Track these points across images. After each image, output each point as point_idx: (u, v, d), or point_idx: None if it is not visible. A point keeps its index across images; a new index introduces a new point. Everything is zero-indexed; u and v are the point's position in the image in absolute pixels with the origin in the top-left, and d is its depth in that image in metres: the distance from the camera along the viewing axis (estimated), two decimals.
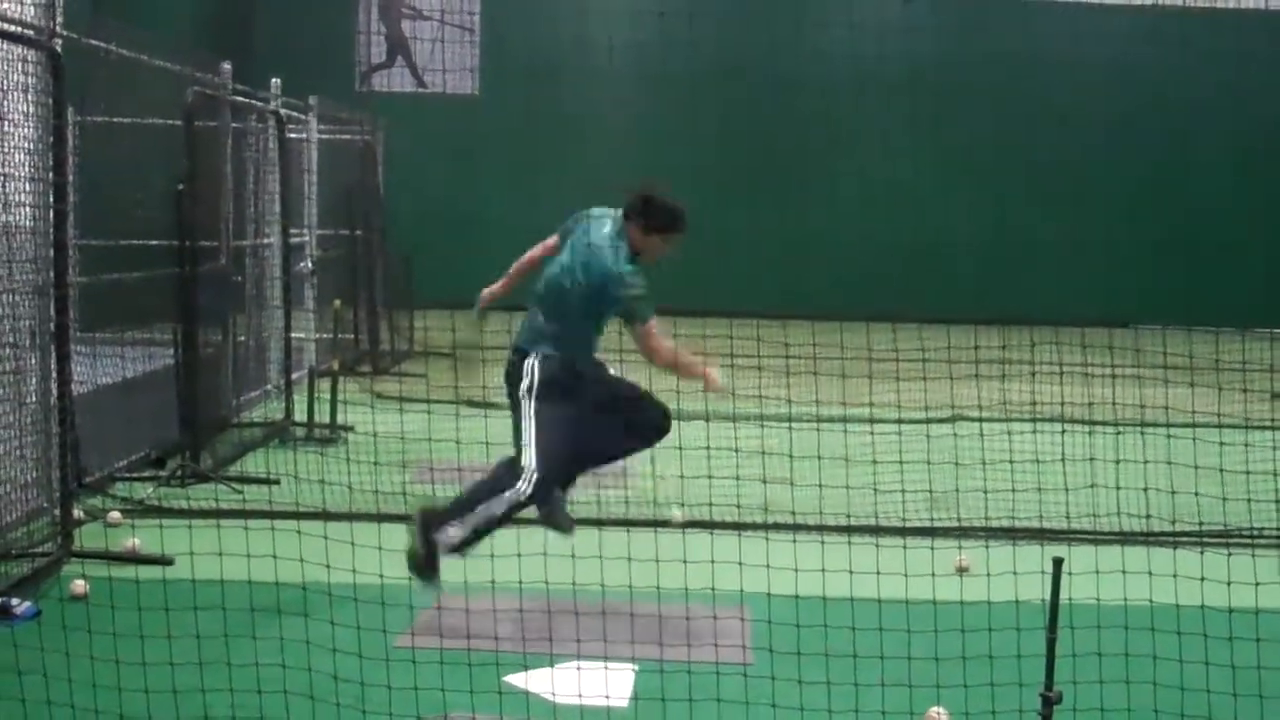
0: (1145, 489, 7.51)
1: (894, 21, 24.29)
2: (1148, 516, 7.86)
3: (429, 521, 6.67)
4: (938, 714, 5.76)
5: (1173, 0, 24.14)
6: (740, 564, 6.23)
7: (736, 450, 7.31)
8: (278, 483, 9.60)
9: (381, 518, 8.28)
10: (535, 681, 6.12)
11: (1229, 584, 6.11)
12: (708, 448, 7.09)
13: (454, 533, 6.69)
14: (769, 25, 24.36)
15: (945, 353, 7.13)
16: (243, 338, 12.62)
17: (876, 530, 8.28)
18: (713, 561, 6.40)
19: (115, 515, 8.78)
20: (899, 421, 8.67)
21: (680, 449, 7.18)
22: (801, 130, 23.93)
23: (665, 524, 8.26)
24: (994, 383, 7.68)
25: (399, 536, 6.62)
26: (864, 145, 23.94)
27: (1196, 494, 7.67)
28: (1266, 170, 23.91)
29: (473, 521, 6.70)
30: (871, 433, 7.89)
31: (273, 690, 5.53)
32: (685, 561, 6.76)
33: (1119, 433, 7.72)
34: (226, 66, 12.07)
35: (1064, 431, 8.00)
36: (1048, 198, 24.15)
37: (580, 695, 5.85)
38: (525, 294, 7.06)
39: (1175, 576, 6.11)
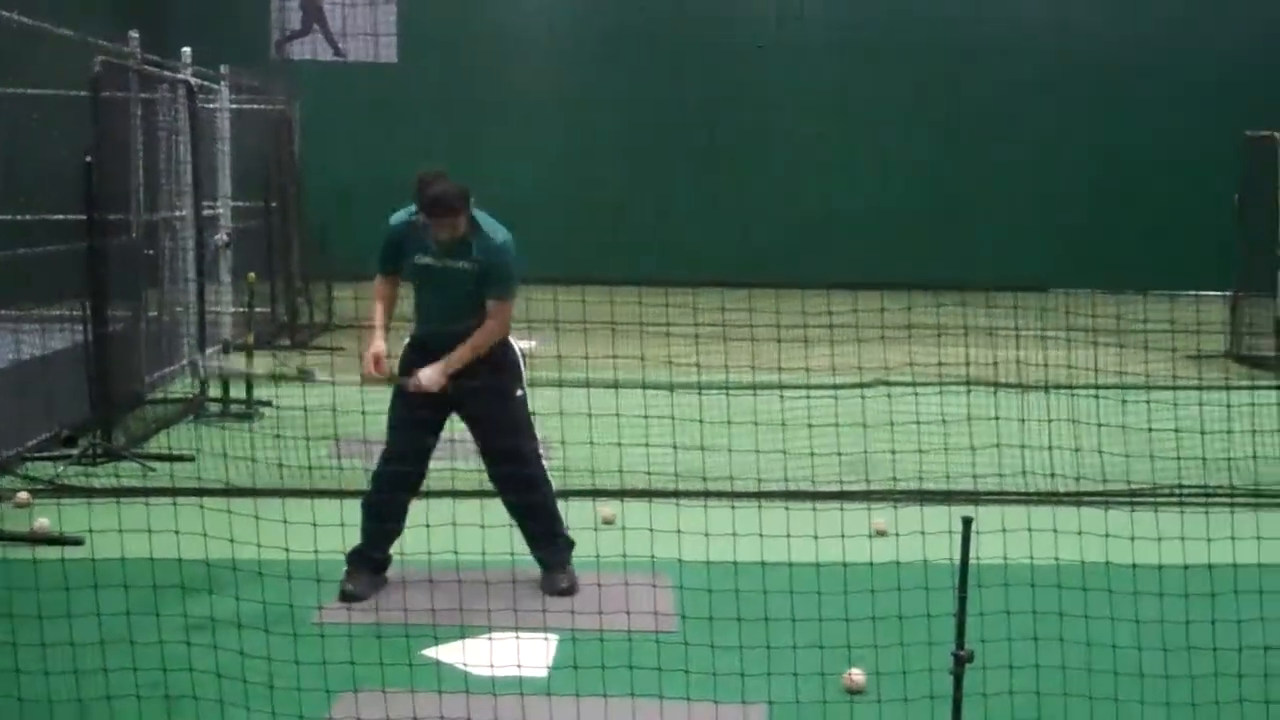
0: (1050, 448, 7.58)
1: None
2: (1053, 475, 7.92)
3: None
4: (854, 676, 5.80)
5: None
6: (651, 530, 6.21)
7: (646, 418, 7.30)
8: (191, 459, 9.53)
9: (286, 492, 8.16)
10: (447, 653, 6.11)
11: (1132, 540, 6.18)
12: (617, 415, 7.08)
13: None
14: None
15: (854, 317, 7.15)
16: (155, 313, 12.48)
17: (787, 495, 8.31)
18: (624, 529, 6.40)
19: (23, 495, 8.68)
20: (808, 387, 8.69)
21: (590, 416, 7.16)
22: (724, 96, 23.86)
23: (573, 493, 8.27)
24: (902, 346, 7.72)
25: (305, 511, 6.53)
26: (784, 110, 23.92)
27: (1100, 452, 7.74)
28: (1188, 135, 24.01)
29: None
30: (782, 398, 7.90)
31: (178, 668, 5.49)
32: (596, 529, 6.77)
33: (1023, 393, 7.79)
34: (134, 35, 11.89)
35: (968, 392, 8.06)
36: (970, 161, 24.20)
37: (493, 666, 5.85)
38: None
39: (1080, 534, 6.16)
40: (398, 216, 7.21)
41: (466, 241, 6.94)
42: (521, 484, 7.03)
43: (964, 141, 24.19)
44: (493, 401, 6.98)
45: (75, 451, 9.70)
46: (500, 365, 7.04)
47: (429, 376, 6.87)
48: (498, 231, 7.01)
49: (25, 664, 5.36)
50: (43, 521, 7.86)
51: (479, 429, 7.12)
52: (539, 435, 7.27)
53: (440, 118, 22.97)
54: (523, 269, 7.12)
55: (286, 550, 6.16)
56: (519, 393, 7.08)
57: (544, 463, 7.22)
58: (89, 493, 8.49)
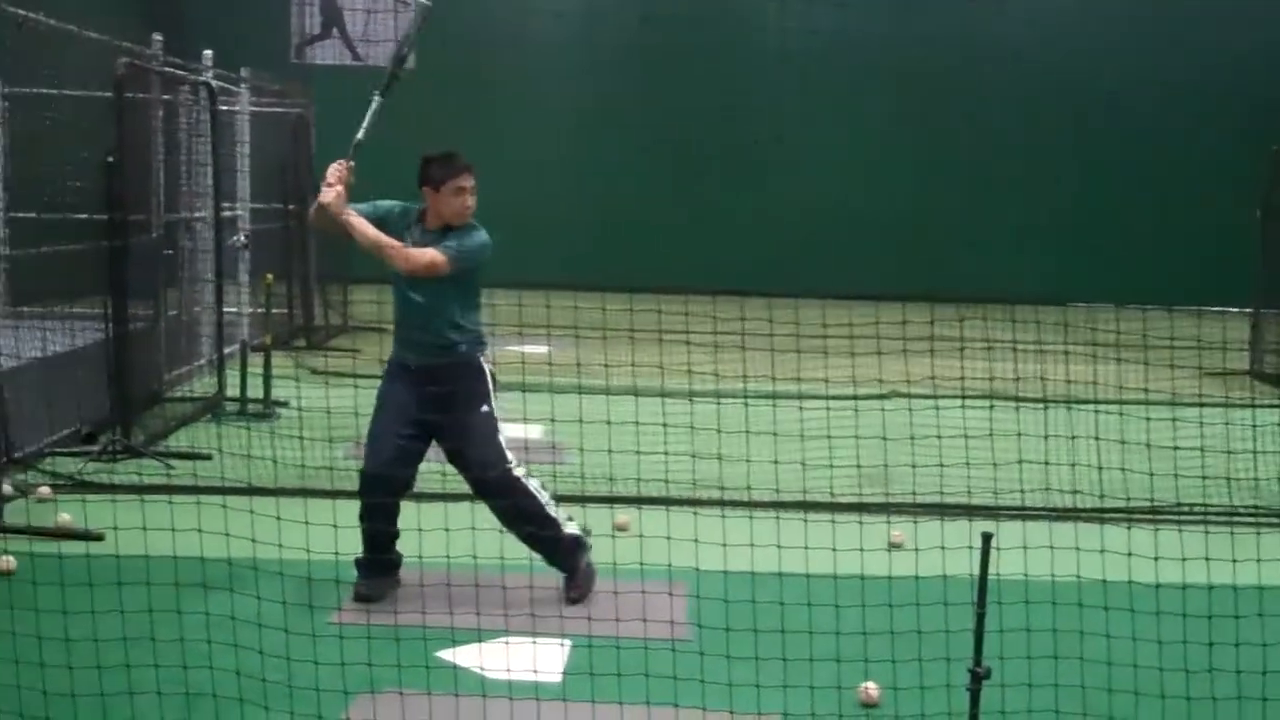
0: (1074, 465, 7.55)
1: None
2: (1075, 493, 7.91)
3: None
4: (869, 690, 5.78)
5: None
6: (669, 539, 6.21)
7: (665, 426, 7.30)
8: (209, 458, 9.56)
9: (308, 492, 8.20)
10: (464, 656, 6.12)
11: (1156, 560, 6.15)
12: (636, 423, 7.07)
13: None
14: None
15: (874, 329, 7.14)
16: (174, 312, 12.51)
17: (805, 505, 8.31)
18: (641, 536, 6.39)
19: (45, 490, 8.71)
20: (828, 398, 8.68)
21: (609, 424, 7.16)
22: (733, 107, 23.85)
23: (591, 499, 8.31)
24: (923, 359, 7.70)
25: (326, 512, 6.55)
26: (798, 122, 23.91)
27: (1124, 470, 7.72)
28: (1211, 149, 23.94)
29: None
30: (800, 408, 7.90)
31: (199, 665, 5.50)
32: (614, 536, 6.77)
33: (1046, 408, 7.76)
34: (157, 37, 11.93)
35: (992, 407, 8.05)
36: (984, 177, 24.18)
37: (509, 670, 5.85)
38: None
39: (1103, 552, 6.14)
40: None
41: (455, 230, 7.02)
42: (492, 488, 6.94)
43: (987, 151, 24.12)
44: (457, 409, 6.90)
45: (95, 448, 9.72)
46: (467, 377, 6.98)
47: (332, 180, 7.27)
48: (481, 228, 7.10)
49: (49, 658, 5.38)
50: (65, 517, 7.88)
51: (446, 438, 7.02)
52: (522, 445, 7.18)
53: (458, 125, 22.98)
54: (485, 268, 7.13)
55: (307, 550, 6.18)
56: (484, 408, 6.97)
57: (519, 471, 7.01)
58: (112, 489, 8.50)
